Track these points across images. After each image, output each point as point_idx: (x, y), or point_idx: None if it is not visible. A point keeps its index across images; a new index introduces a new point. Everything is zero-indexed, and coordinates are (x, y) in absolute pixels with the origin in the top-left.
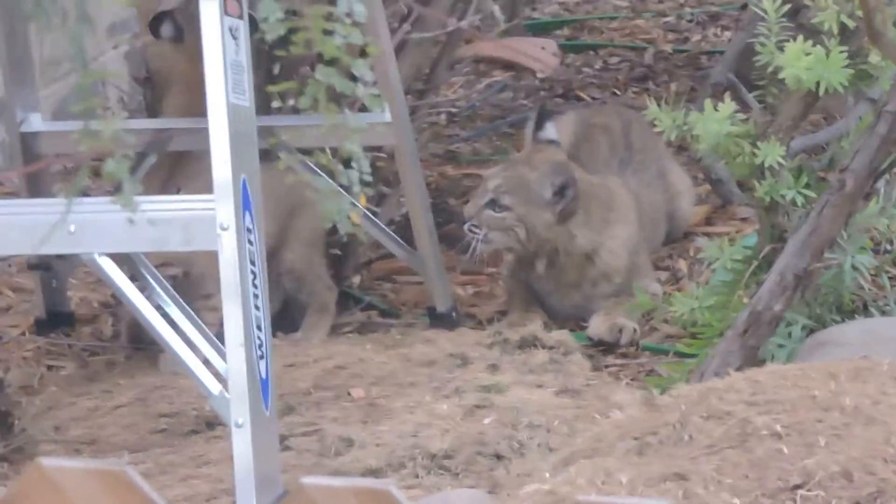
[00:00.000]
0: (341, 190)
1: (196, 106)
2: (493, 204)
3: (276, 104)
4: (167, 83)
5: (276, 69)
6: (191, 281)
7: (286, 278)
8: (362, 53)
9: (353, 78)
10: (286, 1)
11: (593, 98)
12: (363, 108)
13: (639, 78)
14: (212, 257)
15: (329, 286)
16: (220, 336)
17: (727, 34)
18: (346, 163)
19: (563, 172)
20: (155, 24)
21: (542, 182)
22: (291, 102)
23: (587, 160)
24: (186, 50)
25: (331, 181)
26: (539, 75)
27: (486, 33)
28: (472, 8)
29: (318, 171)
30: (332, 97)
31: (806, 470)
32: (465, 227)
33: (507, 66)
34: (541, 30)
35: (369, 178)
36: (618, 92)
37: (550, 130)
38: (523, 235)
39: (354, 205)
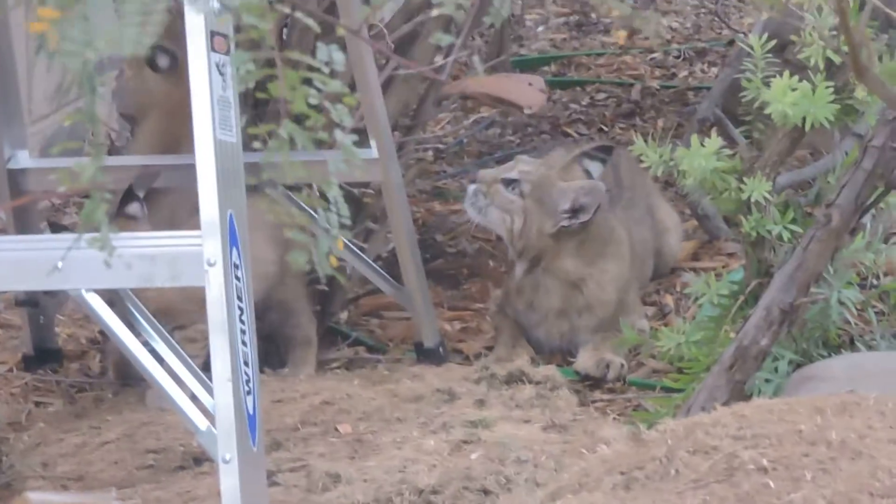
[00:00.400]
0: (323, 230)
1: (176, 132)
2: (510, 182)
3: (257, 144)
4: (150, 113)
5: (244, 121)
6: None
7: (274, 310)
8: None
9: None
10: (264, 50)
11: (580, 134)
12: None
13: (626, 114)
14: (172, 290)
15: (311, 318)
16: (207, 366)
17: (714, 70)
18: (327, 203)
19: (594, 197)
20: (150, 59)
21: (566, 194)
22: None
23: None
24: (177, 75)
25: (313, 220)
26: (526, 111)
27: (473, 70)
28: (458, 46)
29: (306, 208)
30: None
31: None
32: (471, 188)
33: (495, 102)
34: (528, 66)
35: (348, 222)
36: (605, 128)
37: (594, 168)
38: (517, 228)
39: (335, 247)
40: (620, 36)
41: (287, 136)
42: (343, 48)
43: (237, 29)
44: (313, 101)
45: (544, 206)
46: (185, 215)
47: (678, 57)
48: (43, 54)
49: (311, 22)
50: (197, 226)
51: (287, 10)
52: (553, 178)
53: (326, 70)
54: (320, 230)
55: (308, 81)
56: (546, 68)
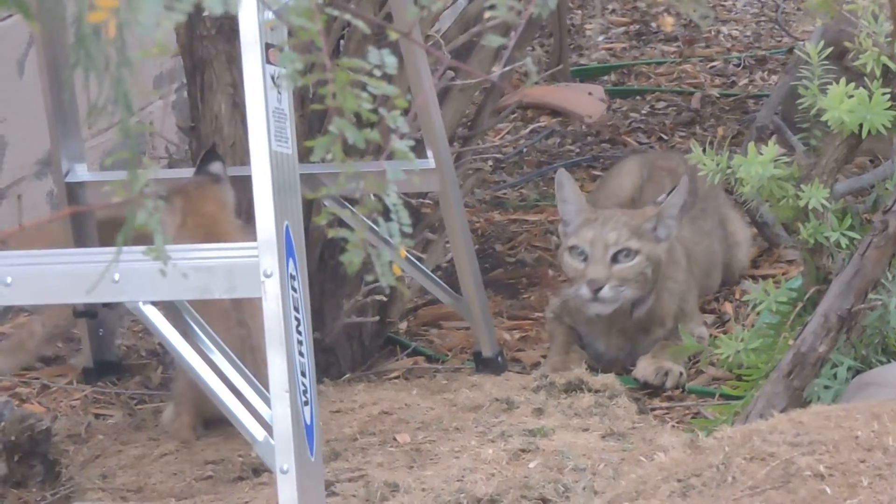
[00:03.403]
0: (386, 240)
1: None
2: (619, 256)
3: (314, 158)
4: None
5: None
6: None
7: None
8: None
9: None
10: (315, 54)
11: (640, 143)
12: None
13: (686, 122)
14: None
15: None
16: (264, 381)
17: (774, 78)
18: (386, 213)
19: (684, 183)
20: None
21: (672, 202)
22: (330, 157)
23: (651, 202)
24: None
25: (375, 231)
26: (586, 121)
27: (531, 80)
28: (510, 52)
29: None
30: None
31: None
32: (595, 294)
33: (554, 111)
34: (588, 76)
35: (409, 230)
36: (664, 137)
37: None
38: (650, 274)
39: (397, 256)
40: (667, 22)
41: (338, 132)
42: (399, 56)
43: (289, 35)
44: (366, 105)
45: (649, 239)
46: None
47: (738, 65)
48: (91, 66)
49: (360, 23)
50: None
51: (336, 12)
52: (632, 215)
53: (378, 73)
54: (381, 240)
55: (360, 85)
56: (606, 78)
